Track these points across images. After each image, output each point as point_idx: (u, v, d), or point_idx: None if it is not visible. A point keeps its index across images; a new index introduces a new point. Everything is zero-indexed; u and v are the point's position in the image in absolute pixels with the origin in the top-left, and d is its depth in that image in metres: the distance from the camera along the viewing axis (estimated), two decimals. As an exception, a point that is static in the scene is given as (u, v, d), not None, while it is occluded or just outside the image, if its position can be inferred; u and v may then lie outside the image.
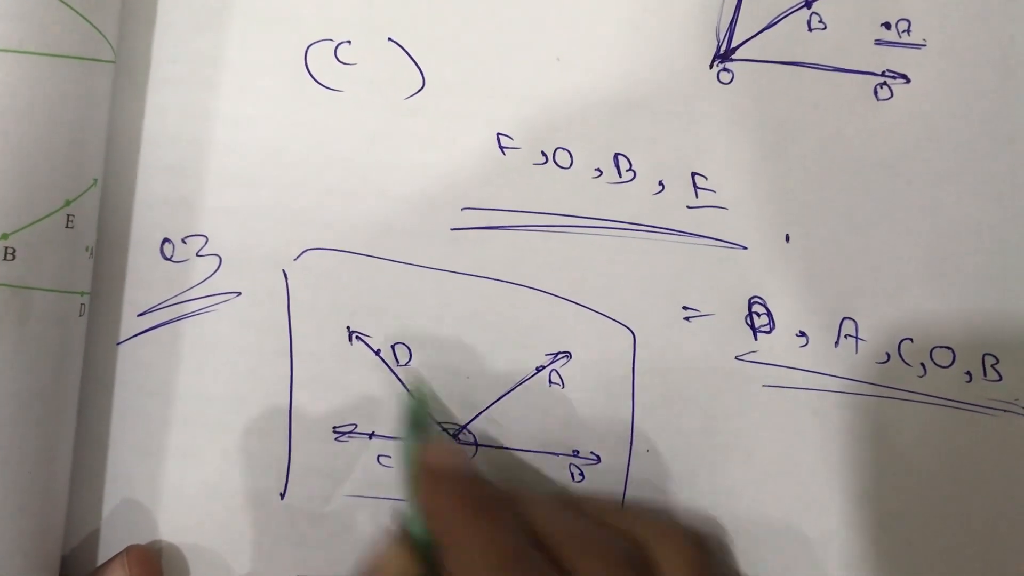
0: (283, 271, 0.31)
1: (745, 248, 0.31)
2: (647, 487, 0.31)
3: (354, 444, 0.32)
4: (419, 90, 0.31)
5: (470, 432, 0.31)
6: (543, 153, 0.31)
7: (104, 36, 0.29)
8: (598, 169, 0.31)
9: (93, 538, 0.32)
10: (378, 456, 0.32)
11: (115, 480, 0.32)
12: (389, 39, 0.30)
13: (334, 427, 0.32)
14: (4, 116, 0.27)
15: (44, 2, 0.27)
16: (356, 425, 0.32)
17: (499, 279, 0.31)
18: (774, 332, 0.31)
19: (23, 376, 0.28)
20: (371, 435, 0.32)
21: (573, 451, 0.32)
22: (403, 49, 0.30)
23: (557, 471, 0.31)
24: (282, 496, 0.32)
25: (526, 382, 0.31)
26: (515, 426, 0.31)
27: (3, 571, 0.29)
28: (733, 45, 0.30)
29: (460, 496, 0.27)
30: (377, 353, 0.31)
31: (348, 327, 0.31)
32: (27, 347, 0.28)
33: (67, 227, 0.29)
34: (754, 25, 0.30)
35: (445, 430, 0.31)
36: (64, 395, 0.30)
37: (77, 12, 0.28)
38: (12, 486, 0.29)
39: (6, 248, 0.28)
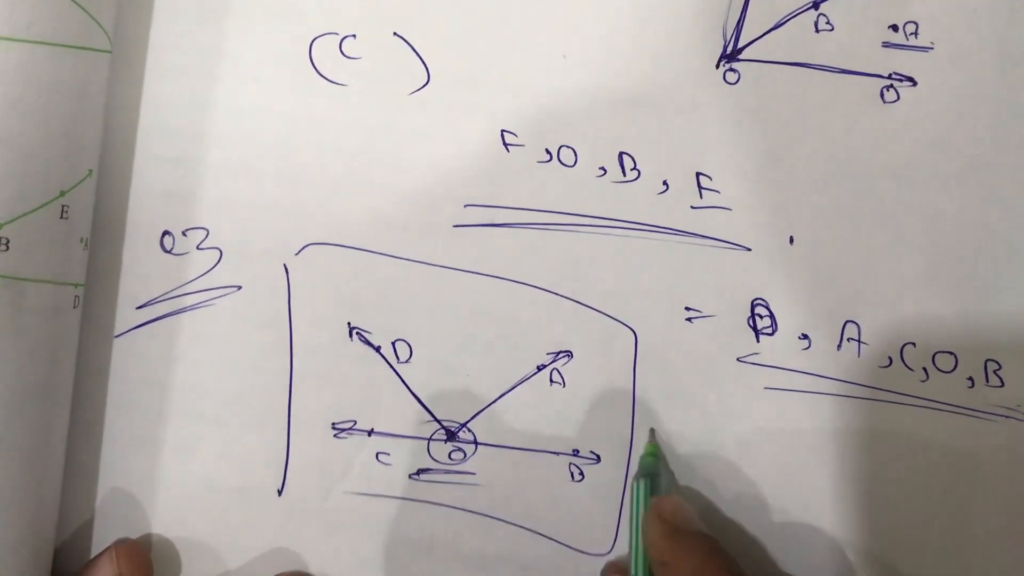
0: (284, 265, 0.29)
1: (749, 249, 0.29)
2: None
3: (353, 441, 0.30)
4: (424, 85, 0.29)
5: (470, 430, 0.30)
6: (547, 151, 0.29)
7: (100, 25, 0.27)
8: (602, 168, 0.29)
9: (86, 531, 0.30)
10: (377, 453, 0.30)
11: (109, 473, 0.30)
12: (394, 34, 0.29)
13: (333, 423, 0.30)
14: (4, 104, 0.25)
15: None
16: (355, 422, 0.30)
17: (501, 277, 0.29)
18: (776, 334, 0.29)
19: (15, 366, 0.27)
20: (370, 432, 0.30)
21: (573, 450, 0.30)
22: (408, 44, 0.29)
23: (557, 470, 0.30)
24: (279, 492, 0.30)
25: (527, 380, 0.30)
26: (515, 424, 0.30)
27: (-6, 566, 0.27)
28: (740, 45, 0.29)
29: (691, 546, 0.27)
30: (377, 350, 0.30)
31: (349, 323, 0.30)
32: (20, 338, 0.27)
33: (61, 218, 0.27)
34: (761, 25, 0.29)
35: (445, 428, 0.30)
36: (58, 386, 0.28)
37: (76, 3, 0.26)
38: (4, 477, 0.27)
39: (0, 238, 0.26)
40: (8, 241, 0.26)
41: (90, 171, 0.28)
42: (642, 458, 0.29)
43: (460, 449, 0.30)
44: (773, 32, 0.29)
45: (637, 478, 0.29)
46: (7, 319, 0.26)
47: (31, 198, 0.26)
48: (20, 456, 0.27)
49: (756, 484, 0.30)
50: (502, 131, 0.29)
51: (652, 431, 0.29)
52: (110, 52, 0.28)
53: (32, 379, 0.27)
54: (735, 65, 0.29)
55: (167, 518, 0.30)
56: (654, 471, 0.29)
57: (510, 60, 0.29)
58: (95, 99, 0.28)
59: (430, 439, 0.30)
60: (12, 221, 0.26)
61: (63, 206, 0.27)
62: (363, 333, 0.30)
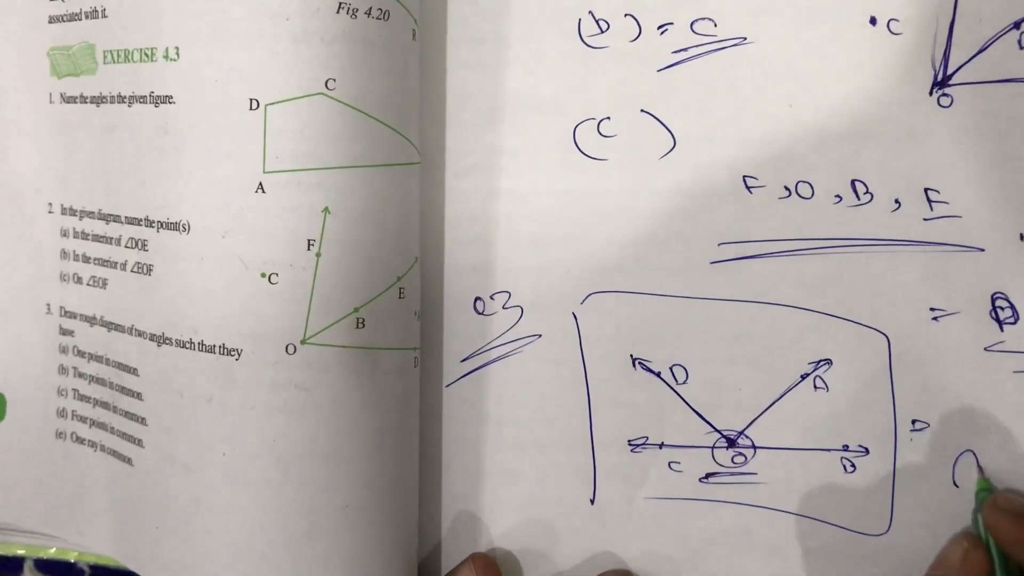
0: (573, 314, 0.34)
1: (982, 250, 0.31)
2: (915, 473, 0.32)
3: (647, 453, 0.34)
4: (671, 149, 0.33)
5: (748, 436, 0.33)
6: (786, 187, 0.32)
7: (412, 143, 0.32)
8: (838, 195, 0.32)
9: (437, 548, 0.35)
10: (669, 462, 0.33)
11: (451, 498, 0.35)
12: (642, 111, 0.33)
13: (629, 440, 0.34)
14: (348, 217, 0.31)
15: (369, 125, 0.31)
16: (647, 437, 0.34)
17: (758, 301, 0.32)
18: (1019, 323, 0.31)
19: (377, 417, 0.32)
20: (661, 445, 0.34)
21: (843, 446, 0.32)
22: (655, 117, 0.33)
23: (830, 464, 0.32)
24: (592, 501, 0.34)
25: (793, 389, 0.33)
26: (787, 428, 0.33)
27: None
28: (949, 72, 0.31)
29: None
30: (658, 375, 0.33)
31: (631, 355, 0.33)
32: (378, 395, 0.32)
33: (400, 298, 0.32)
34: (967, 51, 0.31)
35: (725, 437, 0.33)
36: (408, 430, 0.33)
37: (392, 128, 0.31)
38: (378, 505, 0.32)
39: (358, 319, 0.31)
40: (364, 320, 0.32)
41: (416, 258, 0.33)
42: (977, 493, 0.31)
43: (741, 453, 0.33)
44: (979, 56, 0.31)
45: (976, 511, 0.31)
46: (368, 381, 0.32)
47: (378, 285, 0.32)
48: (387, 487, 0.32)
49: (1015, 461, 0.31)
50: (743, 176, 0.32)
51: (980, 468, 0.32)
52: (419, 163, 0.33)
53: (389, 426, 0.32)
54: (947, 90, 0.31)
55: (503, 532, 0.34)
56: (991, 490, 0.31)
57: (743, 116, 0.32)
58: (413, 202, 0.33)
59: (713, 447, 0.33)
60: (366, 304, 0.32)
61: (400, 288, 0.32)
62: (644, 362, 0.33)
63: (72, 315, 0.36)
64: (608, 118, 0.33)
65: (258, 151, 0.31)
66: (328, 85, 0.30)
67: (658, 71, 0.32)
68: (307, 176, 0.30)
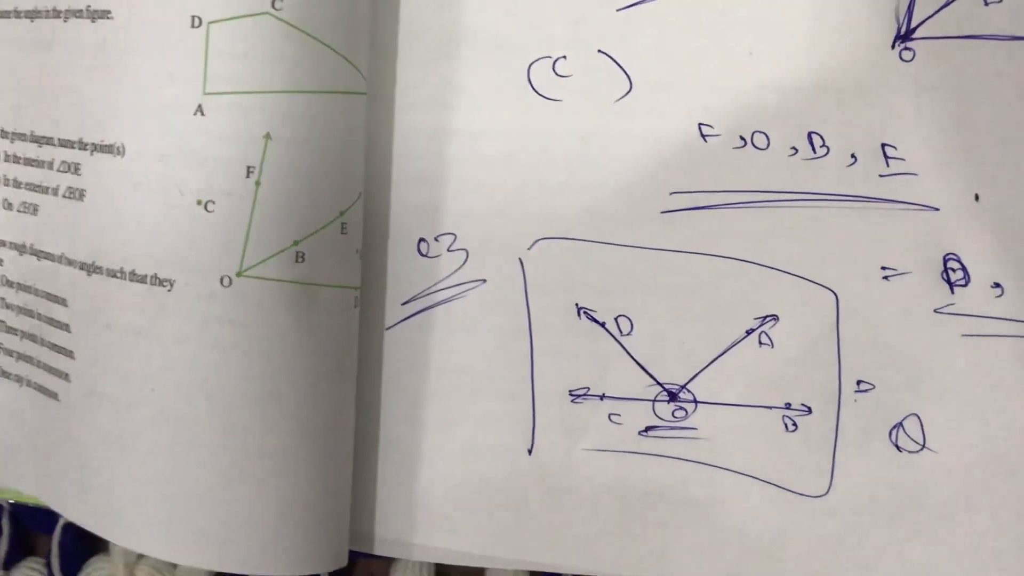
0: (519, 259, 0.33)
1: (937, 209, 0.31)
2: (858, 435, 0.32)
3: (588, 405, 0.33)
4: (627, 93, 0.32)
5: (689, 391, 0.32)
6: (741, 137, 0.31)
7: (359, 71, 0.31)
8: (793, 148, 0.31)
9: (372, 493, 0.34)
10: (609, 415, 0.33)
11: (387, 443, 0.34)
12: (599, 51, 0.32)
13: (570, 391, 0.33)
14: (290, 145, 0.30)
15: (316, 48, 0.30)
16: (588, 388, 0.33)
17: (708, 253, 0.32)
18: (970, 285, 0.31)
19: (314, 357, 0.31)
20: (602, 396, 0.33)
21: (785, 404, 0.32)
22: (611, 59, 0.32)
23: (772, 422, 0.32)
24: (530, 452, 0.33)
25: (738, 344, 0.32)
26: (730, 384, 0.32)
27: (303, 528, 0.32)
28: (912, 26, 0.30)
29: None
30: (603, 325, 0.33)
31: (576, 304, 0.33)
32: (316, 333, 0.31)
33: (342, 233, 0.31)
34: (931, 6, 0.30)
35: (667, 390, 0.33)
36: (345, 372, 0.32)
37: (340, 55, 0.31)
38: (310, 451, 0.31)
39: (297, 252, 0.31)
40: (303, 254, 0.31)
41: (360, 194, 0.32)
42: None
43: (682, 408, 0.33)
44: (943, 10, 0.30)
45: None
46: (306, 318, 0.31)
47: (319, 218, 0.31)
48: (321, 431, 0.32)
49: (959, 426, 0.31)
50: (699, 124, 0.32)
51: None
52: (367, 93, 0.32)
53: (326, 367, 0.32)
54: (909, 44, 0.30)
55: (438, 479, 0.34)
56: None
57: (702, 62, 0.31)
58: (358, 133, 0.32)
59: (654, 400, 0.33)
60: (306, 238, 0.31)
61: (343, 224, 0.31)
62: (589, 312, 0.33)
63: (1, 243, 0.35)
64: (564, 57, 0.32)
65: (199, 71, 0.29)
66: (275, 5, 0.29)
67: (618, 11, 0.32)
68: (248, 100, 0.29)
